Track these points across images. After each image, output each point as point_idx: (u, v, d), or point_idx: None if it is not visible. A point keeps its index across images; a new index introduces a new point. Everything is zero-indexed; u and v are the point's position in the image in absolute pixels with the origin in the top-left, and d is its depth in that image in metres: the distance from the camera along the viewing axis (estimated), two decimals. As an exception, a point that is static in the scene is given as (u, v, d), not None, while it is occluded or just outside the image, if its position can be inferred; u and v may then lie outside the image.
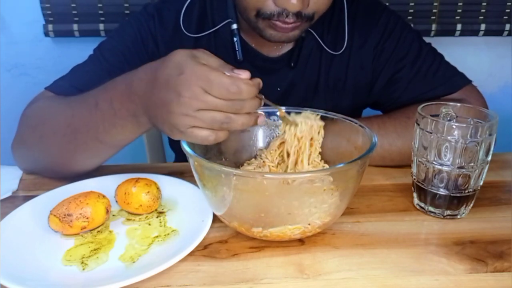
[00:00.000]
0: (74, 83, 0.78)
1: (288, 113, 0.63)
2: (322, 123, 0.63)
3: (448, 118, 0.63)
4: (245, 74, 0.53)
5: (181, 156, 0.95)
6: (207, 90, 0.51)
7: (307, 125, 0.62)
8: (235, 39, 0.84)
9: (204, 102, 0.52)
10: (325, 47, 0.86)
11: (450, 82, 0.84)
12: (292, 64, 0.85)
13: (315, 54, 0.87)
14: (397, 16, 0.88)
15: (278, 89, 0.89)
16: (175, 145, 1.03)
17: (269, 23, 0.73)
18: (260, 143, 0.71)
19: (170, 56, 0.54)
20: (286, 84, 0.88)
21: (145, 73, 0.58)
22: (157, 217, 0.63)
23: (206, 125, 0.53)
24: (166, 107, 0.54)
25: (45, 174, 0.75)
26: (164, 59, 0.55)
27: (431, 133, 0.61)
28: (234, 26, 0.83)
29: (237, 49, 0.84)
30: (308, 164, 0.63)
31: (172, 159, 1.06)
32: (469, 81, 0.86)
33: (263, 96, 0.56)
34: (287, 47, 0.86)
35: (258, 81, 0.54)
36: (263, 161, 0.66)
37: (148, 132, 1.15)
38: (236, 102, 0.52)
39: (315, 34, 0.85)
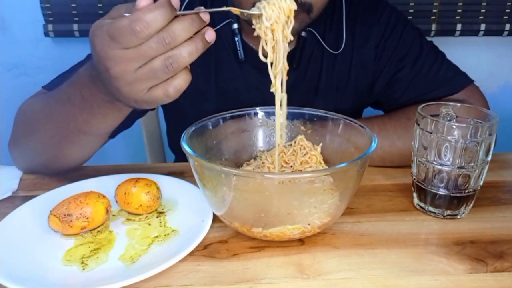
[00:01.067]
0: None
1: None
2: (294, 5, 0.53)
3: (448, 118, 0.63)
4: (143, 1, 0.45)
5: (181, 157, 0.94)
6: (120, 46, 0.45)
7: (273, 8, 0.52)
8: (236, 38, 0.83)
9: (128, 59, 0.45)
10: (326, 47, 0.85)
11: (451, 83, 0.84)
12: (294, 66, 0.84)
13: (316, 54, 0.86)
14: (398, 13, 0.88)
15: None
16: (175, 146, 1.03)
17: None
18: (260, 143, 0.71)
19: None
20: (287, 85, 0.88)
21: (93, 61, 0.54)
22: (157, 217, 0.63)
23: (155, 81, 0.47)
24: (112, 85, 0.49)
25: (41, 172, 0.75)
26: None
27: (431, 133, 0.60)
28: (235, 26, 0.83)
29: (238, 48, 0.83)
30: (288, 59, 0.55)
31: (172, 159, 1.06)
32: (471, 81, 0.85)
33: (202, 8, 0.47)
34: (288, 48, 0.86)
35: None
36: (263, 162, 0.66)
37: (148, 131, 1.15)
38: (160, 36, 0.45)
39: (317, 34, 0.84)
